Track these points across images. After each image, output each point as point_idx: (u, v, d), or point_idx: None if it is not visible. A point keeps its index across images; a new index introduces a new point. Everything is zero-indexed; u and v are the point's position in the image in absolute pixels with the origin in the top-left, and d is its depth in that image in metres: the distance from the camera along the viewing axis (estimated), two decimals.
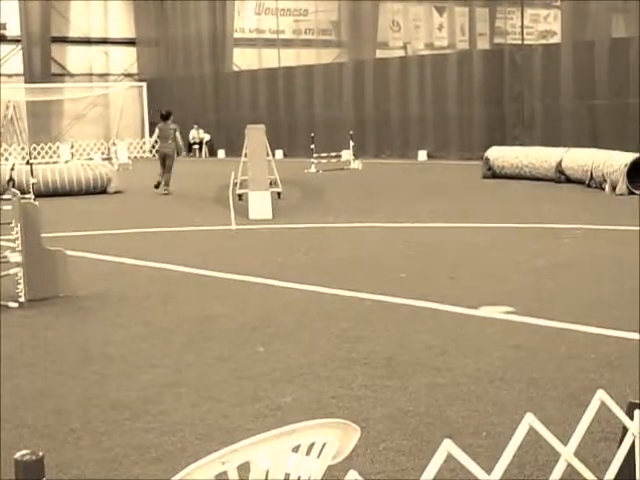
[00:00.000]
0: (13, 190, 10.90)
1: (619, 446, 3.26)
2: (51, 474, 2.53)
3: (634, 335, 7.79)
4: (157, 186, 23.07)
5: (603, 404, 3.13)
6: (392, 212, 17.80)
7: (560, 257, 12.19)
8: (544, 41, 41.16)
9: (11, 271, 10.01)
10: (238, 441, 2.42)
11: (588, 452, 4.92)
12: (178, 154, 24.18)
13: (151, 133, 41.89)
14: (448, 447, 2.60)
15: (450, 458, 2.67)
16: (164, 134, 23.25)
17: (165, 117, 23.45)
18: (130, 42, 43.73)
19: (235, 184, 20.64)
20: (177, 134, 23.30)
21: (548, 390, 6.43)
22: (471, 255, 12.62)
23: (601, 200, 18.69)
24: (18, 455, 2.05)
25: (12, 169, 22.99)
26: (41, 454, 2.05)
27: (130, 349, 7.96)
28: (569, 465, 3.03)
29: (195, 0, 41.40)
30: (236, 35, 42.14)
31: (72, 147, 37.43)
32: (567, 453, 2.94)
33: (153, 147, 25.79)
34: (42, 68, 40.37)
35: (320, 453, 2.57)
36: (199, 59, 42.00)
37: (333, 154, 30.81)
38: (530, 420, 2.83)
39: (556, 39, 39.49)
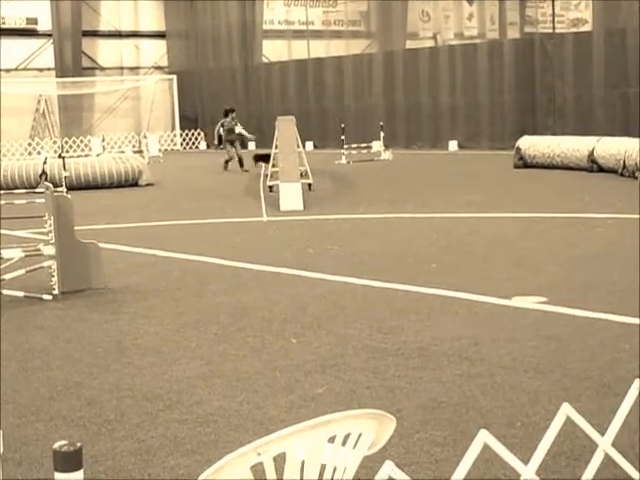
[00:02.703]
0: (46, 183, 10.96)
1: None
2: (86, 465, 2.53)
3: None
4: (242, 165, 27.77)
5: None
6: (423, 202, 17.75)
7: (593, 247, 12.12)
8: (575, 29, 40.76)
9: (45, 264, 10.08)
10: (272, 432, 2.41)
11: (625, 443, 4.88)
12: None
13: (181, 127, 42.28)
14: (484, 438, 2.59)
15: (485, 449, 2.66)
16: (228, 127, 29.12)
17: (226, 113, 29.31)
18: (160, 35, 43.84)
19: (266, 176, 20.67)
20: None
21: (582, 380, 6.39)
22: (503, 245, 12.57)
23: (634, 189, 18.51)
24: (57, 446, 2.05)
25: (44, 163, 23.13)
26: (79, 445, 2.06)
27: (163, 341, 7.99)
28: (606, 456, 3.01)
29: None
30: (265, 27, 42.11)
31: (103, 140, 37.63)
32: (605, 444, 2.92)
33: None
34: (73, 62, 40.55)
35: (356, 444, 2.57)
36: (229, 51, 42.02)
37: (363, 145, 30.78)
38: (567, 410, 2.81)
39: (587, 27, 39.08)
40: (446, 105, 34.47)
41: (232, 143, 28.43)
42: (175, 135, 42.66)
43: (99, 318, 9.01)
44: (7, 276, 10.07)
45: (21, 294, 9.93)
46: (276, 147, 20.51)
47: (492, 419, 5.67)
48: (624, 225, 13.85)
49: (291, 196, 17.80)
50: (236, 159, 27.79)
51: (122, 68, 43.31)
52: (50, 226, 9.93)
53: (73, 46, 40.41)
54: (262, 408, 6.06)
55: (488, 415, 5.76)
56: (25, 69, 40.16)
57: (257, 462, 2.35)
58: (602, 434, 2.97)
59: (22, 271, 10.16)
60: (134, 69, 43.71)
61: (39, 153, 35.81)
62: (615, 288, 9.44)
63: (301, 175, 19.63)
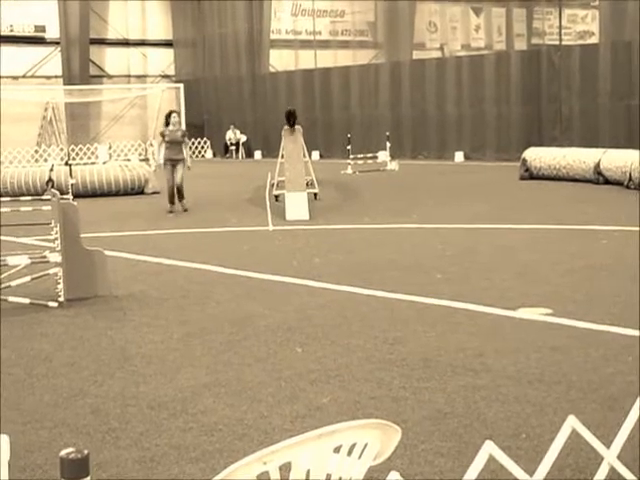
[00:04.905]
0: (52, 191, 10.97)
1: None
2: (90, 472, 2.53)
3: None
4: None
5: None
6: (428, 213, 17.75)
7: (598, 259, 12.10)
8: (582, 41, 40.84)
9: (50, 271, 10.09)
10: (276, 441, 2.42)
11: (630, 455, 4.87)
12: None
13: (188, 135, 42.05)
14: (490, 449, 2.58)
15: (490, 460, 2.65)
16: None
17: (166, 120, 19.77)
18: (167, 44, 43.96)
19: (272, 185, 20.69)
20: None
21: (587, 393, 6.38)
22: (508, 256, 12.56)
23: None
24: (63, 453, 2.05)
25: (51, 170, 23.19)
26: (86, 452, 2.06)
27: (168, 349, 7.99)
28: (611, 469, 3.00)
29: (232, 1, 41.55)
30: (273, 36, 42.23)
31: (110, 148, 37.70)
32: (610, 456, 2.92)
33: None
34: (81, 70, 40.67)
35: (362, 454, 2.57)
36: (236, 60, 42.12)
37: (369, 155, 30.78)
38: (572, 422, 2.81)
39: (594, 39, 39.16)
40: (452, 116, 34.49)
41: (174, 164, 19.18)
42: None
43: (104, 326, 9.01)
44: (13, 283, 10.09)
45: (26, 301, 9.94)
46: (282, 156, 20.54)
47: (497, 430, 5.67)
48: (629, 237, 13.83)
49: (297, 205, 17.82)
50: (178, 187, 19.32)
51: (129, 76, 43.40)
52: (56, 233, 9.94)
53: (81, 54, 40.54)
54: (267, 417, 6.06)
55: (493, 426, 5.75)
56: (33, 76, 40.26)
57: (263, 471, 2.36)
58: (607, 447, 2.97)
59: (28, 278, 10.18)
60: (141, 77, 43.80)
61: (46, 160, 35.87)
62: (620, 300, 9.43)
63: (307, 185, 19.65)
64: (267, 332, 8.48)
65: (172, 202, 19.35)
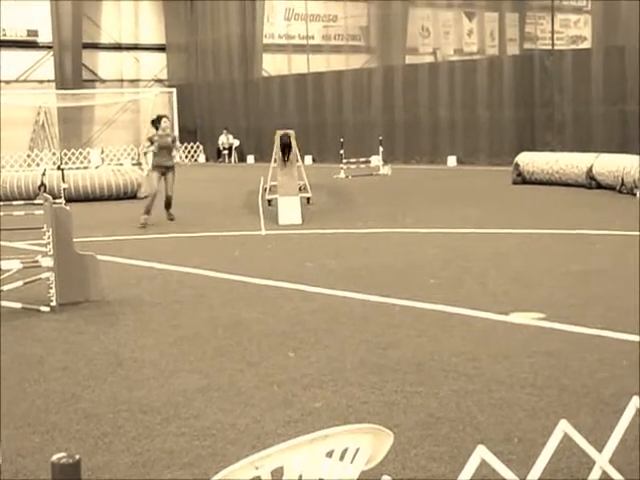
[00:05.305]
0: (45, 195, 10.95)
1: None
2: (83, 478, 2.52)
3: None
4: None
5: (638, 411, 3.09)
6: (422, 218, 17.76)
7: (591, 263, 12.11)
8: (574, 46, 40.94)
9: (43, 275, 10.06)
10: (269, 446, 2.41)
11: (622, 460, 4.87)
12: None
13: (181, 139, 42.02)
14: (482, 453, 2.58)
15: (482, 464, 2.65)
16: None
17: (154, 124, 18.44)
18: (160, 48, 43.97)
19: (264, 189, 20.69)
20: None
21: (580, 397, 6.38)
22: (501, 261, 12.56)
23: (632, 206, 18.54)
24: (55, 458, 2.04)
25: (43, 174, 23.17)
26: (77, 457, 2.04)
27: (160, 353, 7.98)
28: (603, 473, 3.00)
29: (225, 1, 41.57)
30: (265, 41, 42.25)
31: (102, 152, 37.68)
32: (602, 460, 2.92)
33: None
34: (73, 74, 40.65)
35: (354, 458, 2.57)
36: (228, 65, 42.14)
37: (362, 160, 30.80)
38: (564, 427, 2.81)
39: (586, 44, 39.27)
40: (445, 120, 34.54)
41: (164, 172, 17.85)
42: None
43: (96, 330, 8.99)
44: (5, 287, 10.06)
45: (19, 305, 9.91)
46: (275, 161, 20.54)
47: (489, 435, 5.66)
48: (623, 242, 13.86)
49: (289, 210, 17.81)
50: (162, 197, 18.18)
51: (122, 81, 43.40)
52: (49, 238, 9.92)
53: (73, 58, 40.52)
54: (259, 422, 6.05)
55: (485, 431, 5.75)
56: (25, 81, 40.24)
57: (255, 476, 2.35)
58: (600, 451, 2.97)
59: (20, 282, 10.16)
60: (134, 82, 43.80)
61: (38, 165, 35.84)
62: (613, 305, 9.44)
63: (300, 189, 19.65)
64: (260, 337, 8.47)
65: (149, 212, 17.84)
